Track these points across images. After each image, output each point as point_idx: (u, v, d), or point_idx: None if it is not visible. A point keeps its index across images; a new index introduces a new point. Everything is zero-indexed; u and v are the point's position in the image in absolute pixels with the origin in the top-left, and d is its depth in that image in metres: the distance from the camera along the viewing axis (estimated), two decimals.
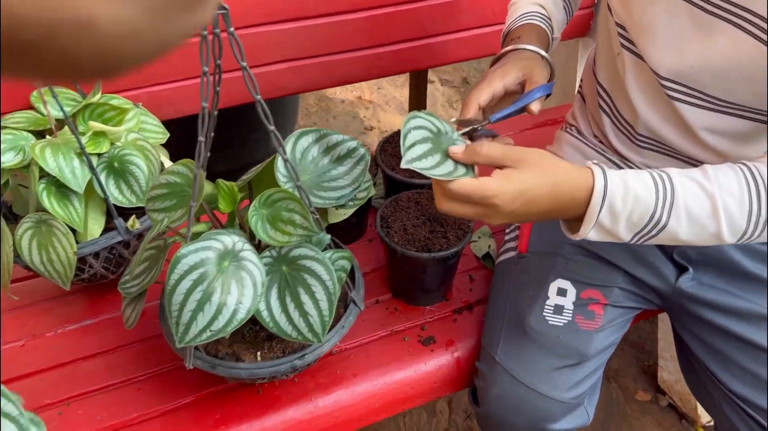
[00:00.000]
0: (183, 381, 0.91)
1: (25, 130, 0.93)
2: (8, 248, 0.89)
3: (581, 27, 1.39)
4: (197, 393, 0.90)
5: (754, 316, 0.84)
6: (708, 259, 0.87)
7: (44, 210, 0.89)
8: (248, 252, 0.74)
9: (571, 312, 0.87)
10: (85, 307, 1.03)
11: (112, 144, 0.94)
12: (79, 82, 0.91)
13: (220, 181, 0.79)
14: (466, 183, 0.66)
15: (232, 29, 0.64)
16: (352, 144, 0.83)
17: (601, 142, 0.98)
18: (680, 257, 0.88)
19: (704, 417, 1.44)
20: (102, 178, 0.92)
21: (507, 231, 1.05)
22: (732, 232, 0.68)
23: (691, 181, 0.68)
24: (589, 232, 0.69)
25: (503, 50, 0.86)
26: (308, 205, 0.75)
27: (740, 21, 0.68)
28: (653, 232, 0.69)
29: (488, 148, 0.68)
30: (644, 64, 0.81)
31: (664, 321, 1.42)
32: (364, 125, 2.47)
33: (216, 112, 0.71)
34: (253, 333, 0.85)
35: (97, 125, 0.93)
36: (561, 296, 0.87)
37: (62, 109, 0.88)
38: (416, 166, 0.67)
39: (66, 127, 0.92)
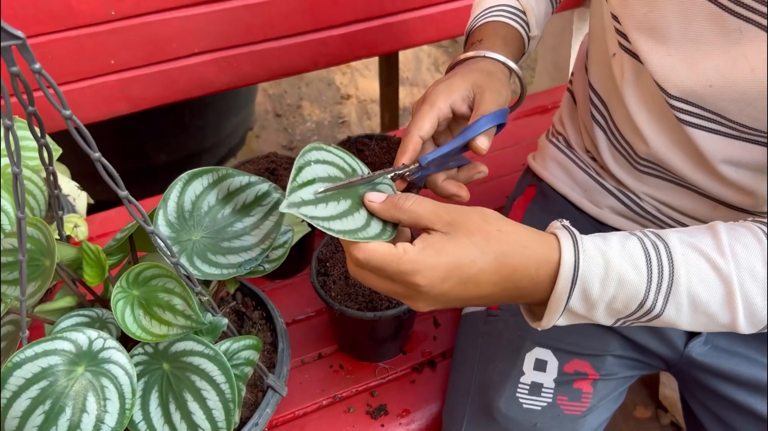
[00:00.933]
0: None
1: None
2: None
3: None
4: None
5: None
6: None
7: None
8: (113, 352, 0.55)
9: (551, 391, 0.68)
10: None
11: None
12: None
13: (85, 243, 0.60)
14: (376, 249, 0.48)
15: (37, 65, 0.42)
16: (263, 187, 0.63)
17: (593, 158, 0.78)
18: None
19: None
20: None
21: None
22: (751, 323, 0.50)
23: (699, 256, 0.49)
24: (555, 322, 0.51)
25: (461, 56, 0.65)
26: (191, 286, 0.55)
27: None
28: (643, 319, 0.52)
29: (414, 203, 0.49)
30: (648, 73, 0.60)
31: None
32: (340, 93, 2.23)
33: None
34: None
35: None
36: (539, 371, 0.69)
37: None
38: (303, 213, 0.48)
39: None
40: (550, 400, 0.68)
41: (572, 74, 0.84)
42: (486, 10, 0.70)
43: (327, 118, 2.14)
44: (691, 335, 0.70)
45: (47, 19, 0.83)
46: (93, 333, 0.55)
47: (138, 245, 0.65)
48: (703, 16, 0.54)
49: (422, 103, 0.61)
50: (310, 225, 0.50)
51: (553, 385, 0.68)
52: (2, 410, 0.52)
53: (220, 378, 0.56)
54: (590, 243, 0.50)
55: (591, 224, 0.76)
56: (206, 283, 0.65)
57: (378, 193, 0.51)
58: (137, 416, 0.57)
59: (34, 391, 0.52)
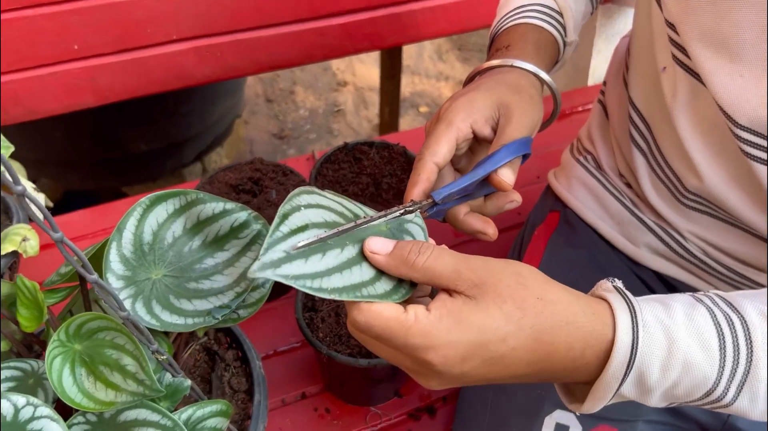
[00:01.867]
0: None
1: None
2: None
3: None
4: None
5: None
6: None
7: None
8: (45, 422, 0.44)
9: None
10: None
11: None
12: None
13: (20, 279, 0.49)
14: (381, 314, 0.37)
15: None
16: (241, 216, 0.52)
17: (629, 185, 0.67)
18: None
19: None
20: None
21: None
22: None
23: None
24: (600, 407, 0.41)
25: (484, 65, 0.54)
26: (145, 343, 0.44)
27: None
28: (706, 406, 0.42)
29: (429, 259, 0.39)
30: (710, 94, 0.50)
31: None
32: (336, 79, 2.11)
33: None
34: None
35: None
36: None
37: None
38: (282, 274, 0.37)
39: None
40: None
41: (604, 83, 0.73)
42: (515, 10, 0.59)
43: (321, 105, 2.02)
44: None
45: None
46: (20, 400, 0.44)
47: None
48: None
49: (437, 122, 0.50)
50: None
51: None
52: None
53: None
54: (651, 315, 0.40)
55: (625, 264, 0.65)
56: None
57: (382, 240, 0.41)
58: None
59: None
